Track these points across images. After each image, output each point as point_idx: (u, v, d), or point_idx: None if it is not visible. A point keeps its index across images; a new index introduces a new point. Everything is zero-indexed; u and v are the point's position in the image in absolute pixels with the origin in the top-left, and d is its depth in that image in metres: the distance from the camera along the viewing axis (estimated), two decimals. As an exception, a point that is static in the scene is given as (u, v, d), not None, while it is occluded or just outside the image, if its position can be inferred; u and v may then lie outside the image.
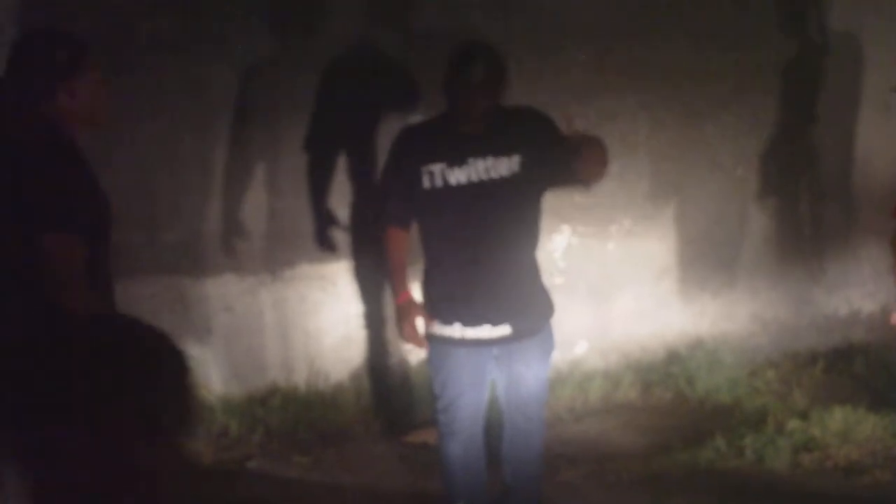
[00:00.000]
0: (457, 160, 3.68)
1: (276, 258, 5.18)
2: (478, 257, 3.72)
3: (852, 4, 5.87)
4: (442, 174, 3.69)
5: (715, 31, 5.69)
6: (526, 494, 4.04)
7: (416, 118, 5.13)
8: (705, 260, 5.86)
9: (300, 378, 5.21)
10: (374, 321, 5.33)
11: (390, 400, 5.23)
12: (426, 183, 3.69)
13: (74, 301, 2.77)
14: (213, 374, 5.10)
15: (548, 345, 3.91)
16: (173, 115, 4.90)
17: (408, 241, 3.87)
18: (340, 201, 5.22)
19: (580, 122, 3.81)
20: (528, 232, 3.82)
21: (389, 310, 5.32)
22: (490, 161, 3.69)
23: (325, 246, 5.23)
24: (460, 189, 3.68)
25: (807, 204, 6.11)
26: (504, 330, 3.78)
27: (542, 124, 3.78)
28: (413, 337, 3.84)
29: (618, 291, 5.69)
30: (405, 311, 3.82)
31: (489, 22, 5.23)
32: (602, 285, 5.64)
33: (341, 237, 5.25)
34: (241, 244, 5.13)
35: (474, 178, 3.69)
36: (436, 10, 5.22)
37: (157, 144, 4.89)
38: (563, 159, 3.60)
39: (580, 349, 5.59)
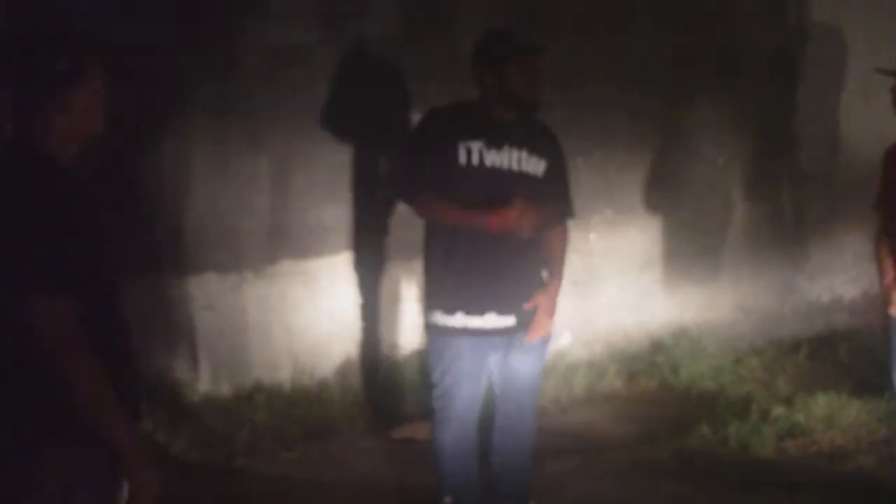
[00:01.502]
0: (494, 142, 3.73)
1: (258, 255, 5.16)
2: (493, 243, 3.72)
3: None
4: (480, 153, 3.71)
5: (696, 20, 5.70)
6: (514, 485, 4.05)
7: (399, 118, 5.14)
8: (688, 249, 5.87)
9: (285, 375, 5.20)
10: (358, 316, 5.33)
11: (376, 395, 5.23)
12: (462, 158, 3.70)
13: (75, 378, 2.30)
14: (197, 372, 5.08)
15: (545, 339, 3.93)
16: (153, 113, 4.88)
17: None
18: (322, 197, 5.21)
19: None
20: (538, 230, 3.86)
21: (372, 305, 5.33)
22: (524, 154, 3.76)
23: (307, 242, 5.22)
24: (494, 172, 3.72)
25: (788, 192, 6.14)
26: (509, 321, 3.80)
27: (556, 156, 3.88)
28: (519, 216, 3.69)
29: (601, 282, 5.70)
30: (503, 216, 3.66)
31: (468, 12, 5.23)
32: (585, 276, 5.64)
33: (323, 233, 5.24)
34: (223, 242, 5.11)
35: (506, 164, 3.74)
36: (420, 3, 5.21)
37: (137, 142, 4.87)
38: (555, 206, 3.84)
39: (564, 340, 5.60)
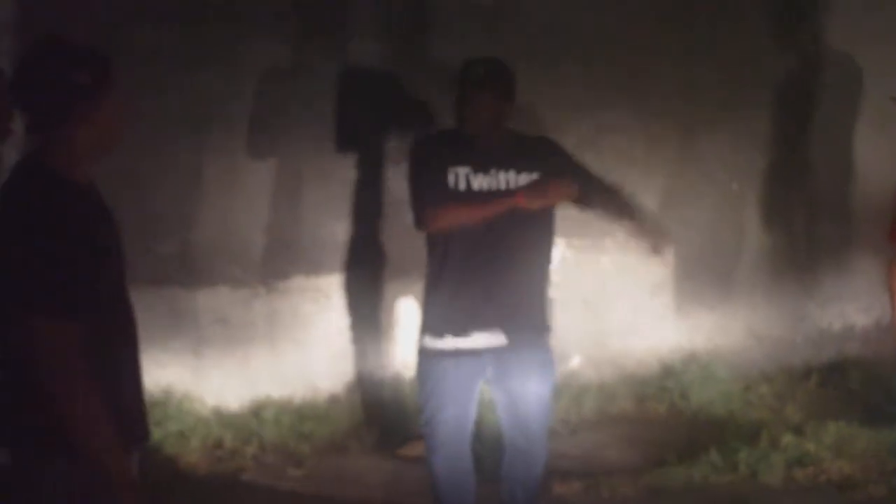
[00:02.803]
0: (480, 167, 3.74)
1: (270, 270, 5.17)
2: (483, 265, 3.73)
3: (848, 22, 5.89)
4: (466, 177, 3.73)
5: (710, 46, 5.71)
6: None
7: (414, 132, 5.14)
8: (700, 274, 5.86)
9: (294, 390, 5.20)
10: (368, 334, 5.32)
11: (384, 413, 5.22)
12: (451, 182, 3.73)
13: (64, 398, 2.30)
14: (206, 385, 5.08)
15: (547, 364, 3.89)
16: (169, 125, 4.90)
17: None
18: (335, 214, 5.22)
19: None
20: (537, 249, 3.87)
21: (383, 322, 5.33)
22: (512, 175, 3.76)
23: (320, 258, 5.23)
24: (481, 195, 3.73)
25: (802, 218, 6.12)
26: (498, 339, 3.77)
27: (561, 156, 3.90)
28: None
29: (612, 305, 5.69)
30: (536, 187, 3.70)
31: (486, 36, 5.25)
32: (597, 298, 5.64)
33: (336, 250, 5.25)
34: (235, 256, 5.13)
35: (494, 187, 3.74)
36: (435, 27, 5.23)
37: (153, 154, 4.89)
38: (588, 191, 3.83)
39: (575, 362, 5.59)
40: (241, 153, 5.08)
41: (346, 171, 5.22)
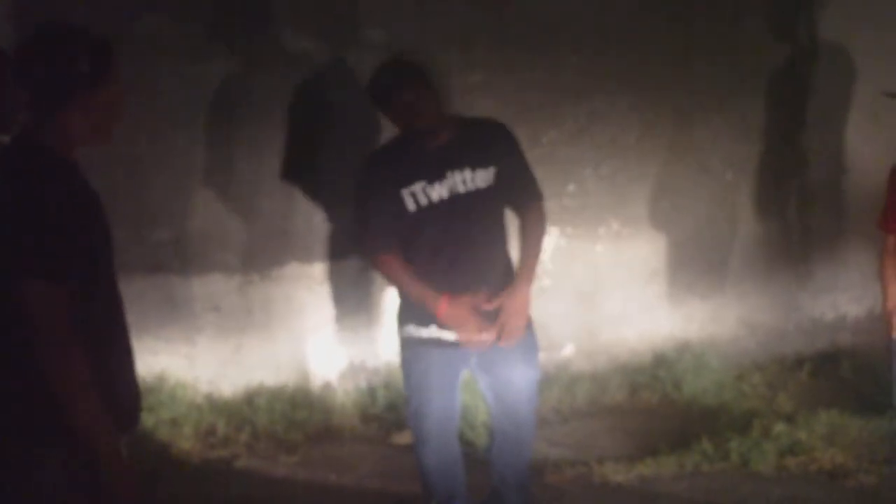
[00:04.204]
0: (435, 175, 3.69)
1: (264, 257, 5.17)
2: (456, 263, 3.73)
3: (843, 13, 5.89)
4: (424, 192, 3.68)
5: (706, 36, 5.71)
6: (513, 500, 4.04)
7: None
8: (693, 263, 5.87)
9: (287, 377, 5.20)
10: (361, 321, 5.33)
11: (377, 400, 5.23)
12: (410, 205, 3.68)
13: (53, 361, 2.35)
14: (200, 373, 5.09)
15: (530, 347, 3.89)
16: (163, 114, 4.89)
17: (402, 258, 3.76)
18: (329, 201, 5.22)
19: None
20: (501, 237, 3.86)
21: (376, 310, 5.33)
22: (468, 173, 3.71)
23: (313, 246, 5.22)
24: (442, 203, 3.69)
25: (795, 208, 6.13)
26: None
27: (514, 146, 3.85)
28: (475, 326, 3.69)
29: (606, 294, 5.70)
30: (455, 315, 3.68)
31: (483, 24, 5.24)
32: (590, 287, 5.65)
33: (329, 237, 5.25)
34: (229, 243, 5.12)
35: (455, 190, 3.70)
36: (430, 18, 5.22)
37: (146, 142, 4.88)
38: (521, 195, 3.85)
39: (567, 351, 5.60)
40: (236, 142, 5.07)
41: (339, 159, 5.21)
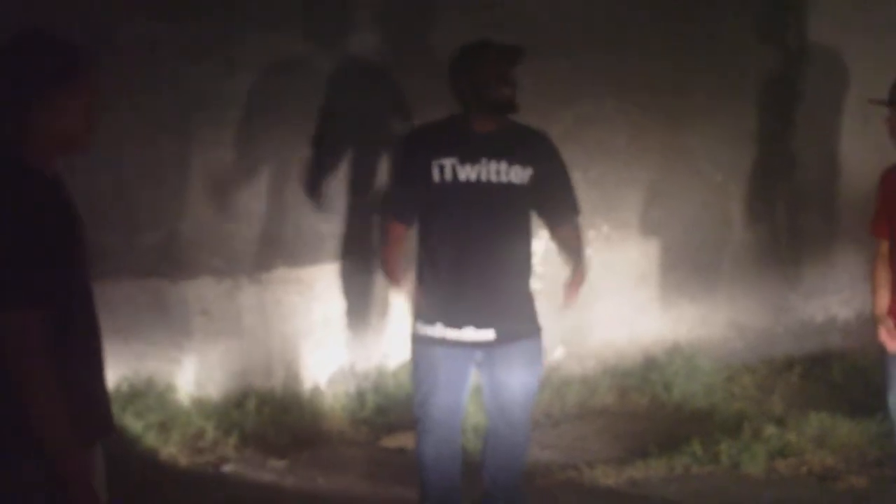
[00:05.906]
0: (469, 157, 3.73)
1: (254, 261, 5.16)
2: (473, 257, 3.75)
3: (834, 18, 5.91)
4: (452, 168, 3.73)
5: (697, 39, 5.72)
6: (505, 502, 4.03)
7: (396, 125, 5.15)
8: (683, 266, 5.87)
9: (277, 381, 5.19)
10: (350, 325, 5.32)
11: (366, 404, 5.22)
12: (436, 176, 3.73)
13: (27, 385, 2.29)
14: (189, 376, 5.07)
15: (534, 355, 3.91)
16: (152, 118, 4.88)
17: (405, 240, 3.88)
18: (318, 205, 5.21)
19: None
20: (523, 242, 3.89)
21: (366, 314, 5.32)
22: (504, 165, 3.74)
23: (302, 250, 5.22)
24: (468, 185, 3.72)
25: (785, 211, 6.15)
26: (487, 334, 3.80)
27: (556, 155, 3.90)
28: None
29: (596, 297, 5.69)
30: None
31: (471, 28, 5.23)
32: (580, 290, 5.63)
33: (319, 241, 5.24)
34: (219, 247, 5.11)
35: (483, 177, 3.73)
36: (422, 20, 5.22)
37: (136, 146, 4.86)
38: (558, 208, 3.91)
39: (558, 354, 5.59)
40: (226, 146, 5.06)
41: (329, 164, 5.21)
